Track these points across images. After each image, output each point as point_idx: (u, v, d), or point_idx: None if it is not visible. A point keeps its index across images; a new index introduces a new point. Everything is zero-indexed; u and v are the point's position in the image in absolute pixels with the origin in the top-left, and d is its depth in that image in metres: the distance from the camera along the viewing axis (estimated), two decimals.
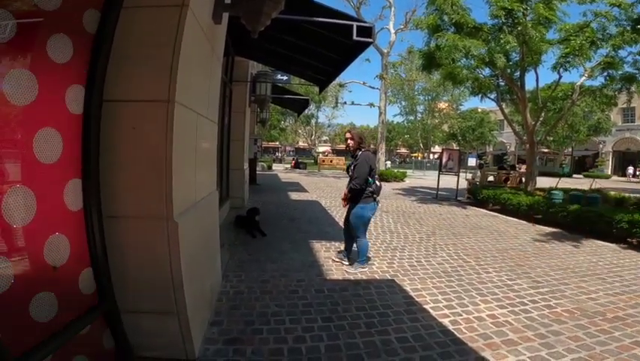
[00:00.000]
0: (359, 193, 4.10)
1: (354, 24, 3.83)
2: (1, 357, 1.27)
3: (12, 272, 1.42)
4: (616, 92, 10.55)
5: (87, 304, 1.87)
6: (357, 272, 4.18)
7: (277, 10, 2.59)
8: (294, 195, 11.16)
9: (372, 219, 4.50)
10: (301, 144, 56.36)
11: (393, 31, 21.66)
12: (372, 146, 4.66)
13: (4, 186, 1.41)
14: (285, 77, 10.58)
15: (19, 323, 1.46)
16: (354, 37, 3.80)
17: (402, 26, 22.14)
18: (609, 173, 33.56)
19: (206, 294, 2.85)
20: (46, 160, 1.61)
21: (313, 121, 38.86)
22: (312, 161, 34.93)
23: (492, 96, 11.94)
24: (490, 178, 12.30)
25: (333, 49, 5.12)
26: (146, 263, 2.11)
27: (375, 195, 4.17)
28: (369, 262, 4.54)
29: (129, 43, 2.01)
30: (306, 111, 22.97)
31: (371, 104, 28.13)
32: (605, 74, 9.70)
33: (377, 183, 4.22)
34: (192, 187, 2.57)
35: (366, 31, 3.88)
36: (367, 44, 4.55)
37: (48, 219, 1.63)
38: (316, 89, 11.20)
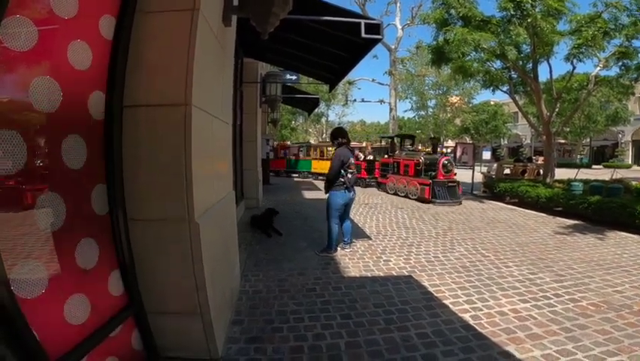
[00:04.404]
0: (331, 182, 4.68)
1: (362, 21, 3.80)
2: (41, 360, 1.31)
3: (46, 276, 1.46)
4: (632, 82, 10.32)
5: (117, 306, 1.92)
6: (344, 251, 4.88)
7: (285, 11, 2.58)
8: (308, 194, 11.18)
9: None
10: (312, 142, 56.30)
11: (400, 26, 21.58)
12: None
13: (36, 192, 1.46)
14: (294, 77, 10.58)
15: (55, 325, 1.50)
16: (363, 34, 3.77)
17: (408, 22, 22.07)
18: (629, 163, 32.53)
19: (227, 293, 2.88)
20: (73, 166, 1.66)
21: (323, 119, 38.74)
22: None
23: (504, 89, 11.76)
24: (507, 171, 12.09)
25: (341, 47, 5.10)
26: (169, 265, 2.15)
27: (346, 185, 4.62)
28: (385, 259, 4.59)
29: (145, 48, 2.04)
30: (316, 110, 22.95)
31: (381, 101, 28.06)
32: (620, 63, 9.50)
33: (349, 175, 4.65)
34: (211, 188, 2.60)
35: (375, 28, 3.85)
36: (376, 41, 4.51)
37: (77, 224, 1.68)
38: (325, 87, 11.19)
